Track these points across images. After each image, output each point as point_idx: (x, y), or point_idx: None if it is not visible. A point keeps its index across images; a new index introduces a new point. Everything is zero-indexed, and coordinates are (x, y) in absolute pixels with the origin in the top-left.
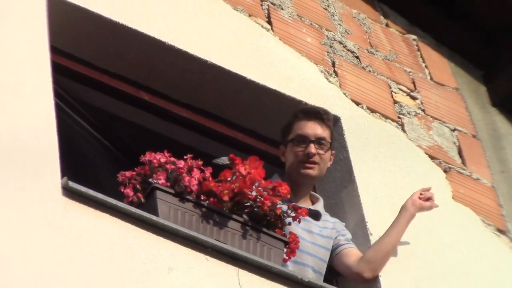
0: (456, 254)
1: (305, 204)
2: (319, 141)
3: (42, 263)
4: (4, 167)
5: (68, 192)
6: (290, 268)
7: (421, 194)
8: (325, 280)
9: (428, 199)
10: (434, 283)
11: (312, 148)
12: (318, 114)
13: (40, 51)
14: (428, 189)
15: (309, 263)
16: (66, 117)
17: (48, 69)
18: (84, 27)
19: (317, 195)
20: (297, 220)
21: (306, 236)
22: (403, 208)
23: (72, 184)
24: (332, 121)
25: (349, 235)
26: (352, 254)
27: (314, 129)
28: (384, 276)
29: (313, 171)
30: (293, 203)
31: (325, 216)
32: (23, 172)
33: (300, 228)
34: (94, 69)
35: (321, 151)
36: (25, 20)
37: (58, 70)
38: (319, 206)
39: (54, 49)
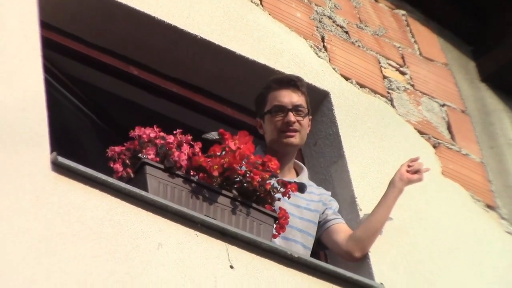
0: (444, 229)
1: (290, 175)
2: (296, 108)
3: (31, 238)
4: None
5: (57, 167)
6: (279, 244)
7: (408, 166)
8: (312, 253)
9: (417, 171)
10: (422, 258)
11: (291, 116)
12: (291, 82)
13: (30, 26)
14: (416, 159)
15: (299, 239)
16: (55, 92)
17: (37, 44)
18: (73, 1)
19: (300, 164)
20: (287, 195)
21: (294, 211)
22: (391, 184)
23: (61, 159)
24: (306, 87)
25: (335, 206)
26: (341, 230)
27: (289, 97)
28: (373, 252)
29: (294, 139)
30: (280, 178)
31: (310, 187)
32: (12, 147)
33: (288, 203)
34: (83, 43)
35: (299, 118)
36: None
37: (47, 45)
38: (304, 177)
39: (44, 24)
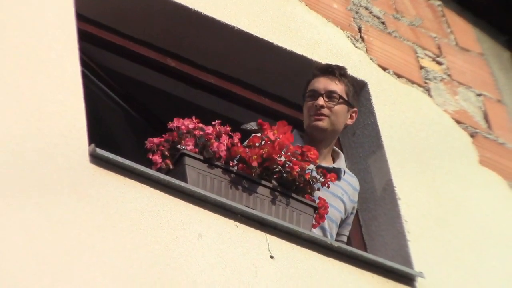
0: (483, 217)
1: (326, 161)
2: (329, 94)
3: (70, 230)
4: (32, 134)
5: (96, 159)
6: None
7: None
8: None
9: None
10: (461, 247)
11: (320, 101)
12: (329, 69)
13: (66, 18)
14: None
15: (327, 226)
16: (92, 85)
17: (74, 37)
18: None
19: (337, 150)
20: (326, 185)
21: (329, 199)
22: None
23: (99, 151)
24: (348, 77)
25: (355, 210)
26: None
27: (324, 83)
28: (413, 241)
29: (322, 123)
30: (320, 167)
31: (347, 175)
32: (50, 139)
33: (324, 190)
34: (120, 36)
35: (330, 104)
36: None
37: (84, 37)
38: (341, 162)
39: (80, 16)
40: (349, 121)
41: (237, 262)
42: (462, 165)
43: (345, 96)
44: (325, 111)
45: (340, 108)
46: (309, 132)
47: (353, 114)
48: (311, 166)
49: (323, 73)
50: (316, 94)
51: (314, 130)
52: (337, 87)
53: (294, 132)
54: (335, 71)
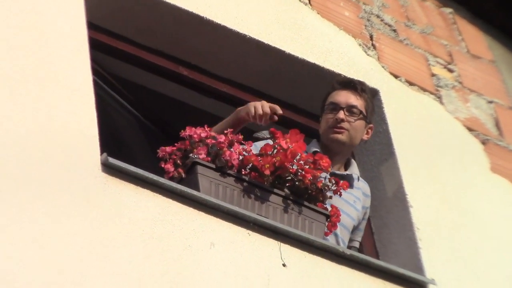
0: (494, 224)
1: (339, 170)
2: (350, 108)
3: (82, 240)
4: (44, 144)
5: (108, 168)
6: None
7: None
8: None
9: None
10: (472, 253)
11: (341, 114)
12: (351, 83)
13: (77, 27)
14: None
15: (339, 233)
16: (103, 94)
17: (85, 45)
18: (121, 2)
19: (349, 157)
20: (338, 193)
21: (342, 206)
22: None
23: (112, 160)
24: (368, 93)
25: (367, 216)
26: None
27: (346, 97)
28: (424, 248)
29: (341, 136)
30: (333, 174)
31: (359, 182)
32: (62, 149)
33: (337, 197)
34: (131, 44)
35: (351, 119)
36: None
37: (95, 46)
38: (353, 169)
39: (91, 25)
40: (365, 137)
41: (249, 271)
42: (474, 172)
43: (364, 112)
44: (345, 124)
45: (359, 123)
46: (326, 144)
47: (369, 130)
48: (324, 174)
49: (344, 87)
50: (337, 108)
51: (333, 142)
52: (358, 102)
53: (313, 141)
54: (356, 86)
